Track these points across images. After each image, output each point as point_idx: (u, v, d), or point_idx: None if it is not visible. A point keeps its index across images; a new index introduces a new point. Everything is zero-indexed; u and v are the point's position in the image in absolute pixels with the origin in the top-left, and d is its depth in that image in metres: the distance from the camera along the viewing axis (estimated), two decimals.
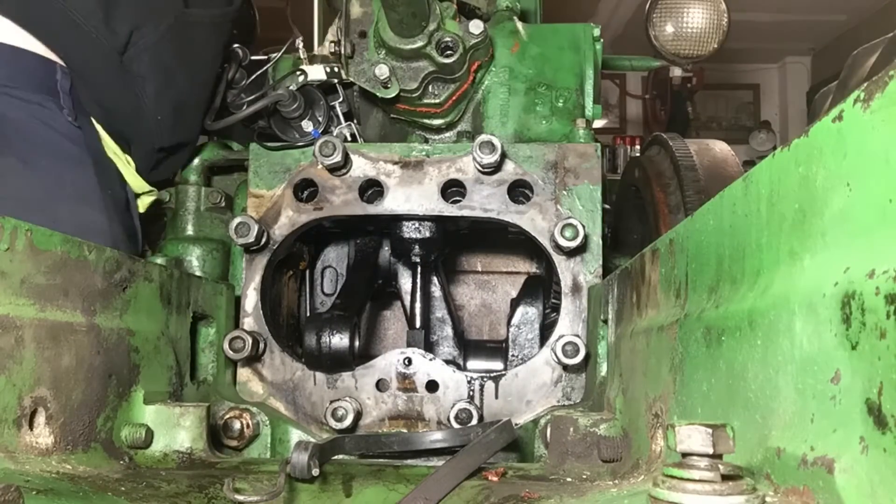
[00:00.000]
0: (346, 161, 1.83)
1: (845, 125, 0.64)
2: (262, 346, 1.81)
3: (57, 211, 1.72)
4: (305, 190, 1.90)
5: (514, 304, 2.20)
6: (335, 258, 2.37)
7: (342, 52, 1.91)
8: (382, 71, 1.83)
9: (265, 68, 2.21)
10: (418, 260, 2.05)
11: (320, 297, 2.35)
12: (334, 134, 2.02)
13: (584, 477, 1.27)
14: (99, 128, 1.90)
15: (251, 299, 1.85)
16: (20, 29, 1.76)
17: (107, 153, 1.91)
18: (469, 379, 1.80)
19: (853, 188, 0.63)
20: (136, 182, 1.98)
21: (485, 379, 1.80)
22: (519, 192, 1.86)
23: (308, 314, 2.25)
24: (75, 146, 1.80)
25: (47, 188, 1.74)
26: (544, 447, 1.62)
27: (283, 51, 2.20)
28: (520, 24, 2.15)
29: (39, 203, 1.72)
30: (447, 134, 2.10)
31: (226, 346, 1.73)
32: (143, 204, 2.04)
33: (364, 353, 2.02)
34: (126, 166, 1.95)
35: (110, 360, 1.30)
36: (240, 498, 1.07)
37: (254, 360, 1.83)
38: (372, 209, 1.86)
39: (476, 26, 1.87)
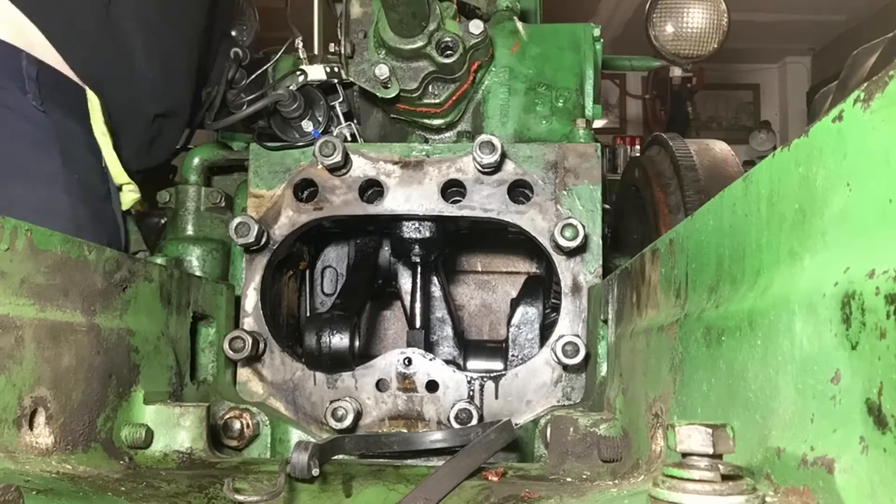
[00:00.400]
0: (346, 161, 1.83)
1: (845, 125, 0.64)
2: (262, 346, 1.81)
3: (11, 190, 1.71)
4: (305, 190, 1.90)
5: (514, 304, 2.20)
6: (335, 258, 2.37)
7: (342, 52, 1.91)
8: (382, 71, 1.83)
9: (265, 68, 2.21)
10: (418, 260, 2.05)
11: (320, 297, 2.35)
12: (334, 134, 2.02)
13: (584, 477, 1.27)
14: (92, 98, 1.88)
15: (251, 299, 1.85)
16: None
17: (82, 140, 1.88)
18: (469, 379, 1.80)
19: (853, 188, 0.63)
20: (116, 171, 1.96)
21: (485, 379, 1.80)
22: (519, 192, 1.86)
23: (308, 314, 2.25)
24: (38, 129, 1.78)
25: (2, 167, 1.73)
26: (544, 447, 1.62)
27: (282, 51, 2.20)
28: (520, 24, 2.15)
29: None
30: (447, 134, 2.10)
31: (226, 346, 1.73)
32: (125, 200, 2.03)
33: (364, 353, 2.02)
34: (110, 150, 1.93)
35: (110, 360, 1.30)
36: (240, 498, 1.07)
37: (254, 360, 1.83)
38: (372, 209, 1.86)
39: (476, 26, 1.87)
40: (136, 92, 1.97)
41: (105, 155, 1.93)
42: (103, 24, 1.87)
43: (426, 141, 2.09)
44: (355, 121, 2.12)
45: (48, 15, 1.81)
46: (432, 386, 1.80)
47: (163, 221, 2.36)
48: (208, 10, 2.16)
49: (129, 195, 2.03)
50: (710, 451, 0.67)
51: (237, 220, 1.76)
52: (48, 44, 1.82)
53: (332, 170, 1.85)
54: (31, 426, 1.10)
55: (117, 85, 1.93)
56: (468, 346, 2.22)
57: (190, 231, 2.22)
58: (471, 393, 1.79)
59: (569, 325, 1.79)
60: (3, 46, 1.76)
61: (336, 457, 1.36)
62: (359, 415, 1.76)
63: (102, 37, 1.88)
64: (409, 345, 2.00)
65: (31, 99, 1.78)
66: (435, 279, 2.27)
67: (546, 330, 2.09)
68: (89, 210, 1.85)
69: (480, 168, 1.81)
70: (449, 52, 1.84)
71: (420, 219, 1.95)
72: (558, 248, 1.76)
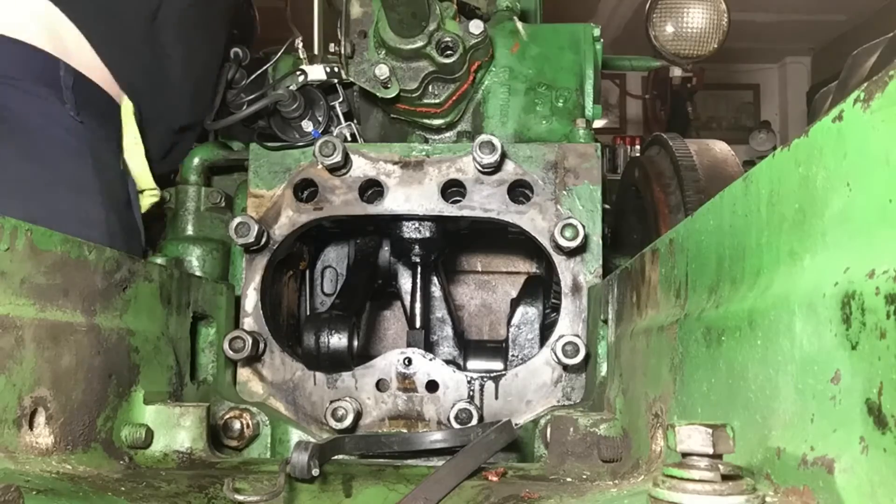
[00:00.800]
0: (346, 161, 1.83)
1: (845, 125, 0.64)
2: (262, 346, 1.81)
3: (57, 202, 1.72)
4: (305, 190, 1.90)
5: (514, 304, 2.20)
6: (335, 258, 2.37)
7: (342, 52, 1.91)
8: (382, 71, 1.83)
9: (265, 68, 2.21)
10: (418, 260, 2.05)
11: (320, 297, 2.35)
12: (334, 134, 2.02)
13: (584, 477, 1.27)
14: (127, 106, 1.92)
15: (251, 299, 1.85)
16: (27, 24, 1.78)
17: (111, 148, 1.92)
18: (469, 379, 1.80)
19: (853, 188, 0.63)
20: (144, 177, 1.99)
21: (485, 379, 1.80)
22: (519, 192, 1.86)
23: (308, 314, 2.25)
24: (75, 139, 1.81)
25: (46, 178, 1.75)
26: (544, 447, 1.62)
27: (282, 51, 2.20)
28: (520, 24, 2.15)
29: (38, 193, 1.73)
30: (447, 134, 2.10)
31: (226, 346, 1.73)
32: (144, 203, 2.05)
33: (364, 353, 2.02)
34: (142, 158, 1.97)
35: (110, 360, 1.30)
36: (240, 498, 1.07)
37: (254, 360, 1.83)
38: (372, 209, 1.86)
39: (476, 26, 1.87)
40: (169, 103, 2.03)
41: (137, 162, 1.97)
42: (146, 36, 1.92)
43: (426, 141, 2.09)
44: (355, 121, 2.12)
45: (94, 21, 1.84)
46: (432, 386, 1.80)
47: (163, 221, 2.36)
48: (229, 29, 2.22)
49: (149, 199, 2.06)
50: (710, 451, 0.67)
51: (237, 220, 1.76)
52: (82, 52, 1.85)
53: (332, 170, 1.85)
54: (31, 426, 1.10)
55: (152, 94, 1.98)
56: (468, 346, 2.21)
57: (190, 231, 2.22)
58: (471, 393, 1.79)
59: (569, 325, 1.79)
60: (42, 56, 1.79)
61: (336, 457, 1.36)
62: (359, 415, 1.76)
63: (144, 47, 1.93)
64: (409, 345, 2.00)
65: (68, 109, 1.81)
66: (435, 279, 2.27)
67: (546, 330, 2.09)
68: (117, 218, 1.87)
69: (480, 168, 1.81)
70: (449, 52, 1.84)
71: (420, 219, 1.95)
72: (558, 248, 1.76)
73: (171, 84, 2.01)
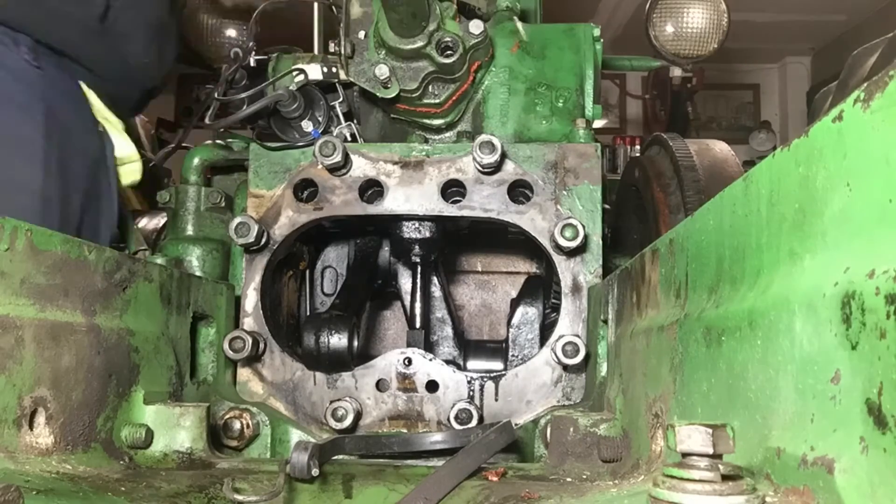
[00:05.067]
0: (346, 161, 1.83)
1: (845, 125, 0.64)
2: (262, 346, 1.81)
3: None
4: (305, 190, 1.90)
5: (514, 304, 2.20)
6: (335, 258, 2.37)
7: (342, 51, 1.91)
8: (382, 71, 1.83)
9: (265, 68, 2.21)
10: (418, 260, 2.05)
11: (320, 297, 2.35)
12: (334, 134, 2.02)
13: (584, 477, 1.27)
14: (91, 95, 1.88)
15: (251, 299, 1.85)
16: None
17: (70, 103, 1.80)
18: (469, 379, 1.80)
19: (853, 188, 0.63)
20: (124, 146, 1.94)
21: (485, 379, 1.80)
22: (519, 192, 1.86)
23: (308, 314, 2.25)
24: (24, 89, 1.62)
25: None
26: (544, 447, 1.62)
27: (279, 51, 2.20)
28: (520, 24, 2.15)
29: None
30: (447, 134, 2.10)
31: (226, 346, 1.73)
32: (126, 174, 1.97)
33: (364, 353, 2.02)
34: (118, 134, 1.93)
35: (110, 360, 1.30)
36: (240, 498, 1.07)
37: (254, 360, 1.82)
38: (372, 209, 1.86)
39: (476, 26, 1.87)
40: (132, 80, 2.01)
41: (110, 133, 1.91)
42: (97, 37, 1.86)
43: (426, 141, 2.09)
44: (355, 121, 2.12)
45: (45, 29, 1.76)
46: (432, 386, 1.80)
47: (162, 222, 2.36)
48: None
49: (131, 174, 1.98)
50: (710, 451, 0.67)
51: (237, 220, 1.76)
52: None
53: (332, 170, 1.85)
54: (31, 426, 1.10)
55: (113, 83, 1.95)
56: (468, 346, 2.21)
57: (190, 231, 2.22)
58: (471, 393, 1.78)
59: (569, 325, 1.79)
60: None
61: (336, 457, 1.36)
62: (359, 415, 1.76)
63: (97, 49, 1.88)
64: (409, 345, 2.00)
65: (24, 52, 1.63)
66: (435, 279, 2.27)
67: (546, 330, 2.09)
68: (62, 185, 1.70)
69: (480, 168, 1.81)
70: (449, 52, 1.84)
71: (420, 219, 1.95)
72: (558, 248, 1.76)
73: (134, 67, 1.98)
